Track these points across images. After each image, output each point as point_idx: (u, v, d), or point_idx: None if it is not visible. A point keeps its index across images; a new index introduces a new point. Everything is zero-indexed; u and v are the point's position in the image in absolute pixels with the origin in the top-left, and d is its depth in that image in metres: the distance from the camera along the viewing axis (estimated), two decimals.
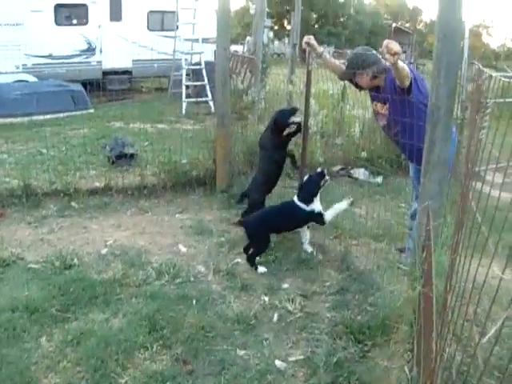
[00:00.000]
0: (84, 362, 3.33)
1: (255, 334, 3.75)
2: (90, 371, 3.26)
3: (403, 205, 6.25)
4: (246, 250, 4.89)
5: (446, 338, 1.99)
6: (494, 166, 1.68)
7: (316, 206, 4.88)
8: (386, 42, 3.76)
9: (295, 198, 4.94)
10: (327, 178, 5.00)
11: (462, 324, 1.80)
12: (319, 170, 5.05)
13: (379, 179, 7.57)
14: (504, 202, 1.62)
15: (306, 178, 5.04)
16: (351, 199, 5.02)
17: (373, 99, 4.77)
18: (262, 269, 4.69)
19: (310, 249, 5.04)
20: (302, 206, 4.86)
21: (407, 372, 3.02)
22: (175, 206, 6.36)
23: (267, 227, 4.87)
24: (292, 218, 4.93)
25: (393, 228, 5.25)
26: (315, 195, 4.90)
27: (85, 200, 6.31)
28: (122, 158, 7.58)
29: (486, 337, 1.46)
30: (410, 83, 4.13)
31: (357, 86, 4.77)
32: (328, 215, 4.89)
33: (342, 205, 4.94)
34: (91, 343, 3.49)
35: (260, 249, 4.82)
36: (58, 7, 15.16)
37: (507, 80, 1.69)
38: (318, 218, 4.89)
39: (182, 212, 6.19)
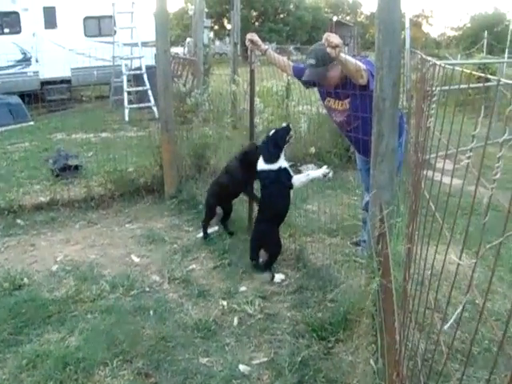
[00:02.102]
0: None
1: (216, 340, 3.73)
2: None
3: (355, 198, 6.33)
4: (253, 258, 4.79)
5: (409, 327, 2.02)
6: (443, 153, 1.71)
7: (282, 162, 4.65)
8: (325, 35, 3.74)
9: (260, 161, 4.69)
10: (292, 133, 4.81)
11: (423, 312, 1.82)
12: (284, 124, 4.84)
13: (330, 174, 7.64)
14: (456, 189, 1.65)
15: (270, 132, 4.77)
16: (329, 170, 4.75)
17: (325, 95, 4.71)
18: (279, 276, 4.62)
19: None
20: (269, 166, 4.65)
21: (373, 364, 3.05)
22: (124, 216, 6.29)
23: (274, 222, 4.76)
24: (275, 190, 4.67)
25: (346, 222, 5.30)
26: (280, 151, 4.65)
27: (31, 216, 6.17)
28: (67, 171, 7.45)
29: (448, 323, 1.49)
30: (368, 79, 4.01)
31: (314, 84, 4.73)
32: (296, 179, 4.64)
33: (317, 172, 4.69)
34: (48, 365, 3.40)
35: (276, 251, 4.74)
36: None
37: (451, 68, 1.72)
38: (286, 175, 4.64)
39: (131, 221, 6.13)
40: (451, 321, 1.44)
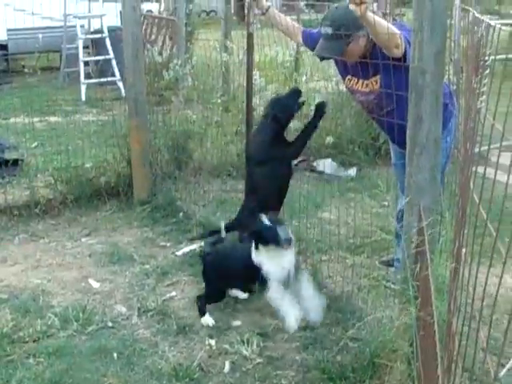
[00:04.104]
0: None
1: None
2: None
3: (386, 204, 6.33)
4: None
5: (455, 374, 2.03)
6: (499, 144, 1.71)
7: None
8: None
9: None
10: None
11: (473, 354, 1.83)
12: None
13: (352, 171, 7.65)
14: None
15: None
16: None
17: (345, 73, 4.73)
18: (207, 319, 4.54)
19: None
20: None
21: None
22: (80, 227, 6.29)
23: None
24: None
25: (374, 236, 5.29)
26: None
27: None
28: (2, 167, 7.43)
29: (505, 368, 1.50)
30: (405, 49, 3.99)
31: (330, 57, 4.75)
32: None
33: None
34: None
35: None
36: None
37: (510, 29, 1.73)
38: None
39: (89, 234, 6.14)
40: (509, 365, 1.45)
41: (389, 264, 5.09)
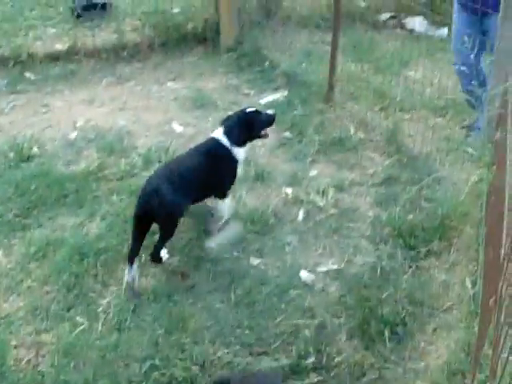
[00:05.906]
0: (53, 280, 3.46)
1: (274, 237, 3.84)
2: (61, 290, 3.40)
3: None
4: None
5: None
6: None
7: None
8: None
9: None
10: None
11: None
12: (270, 111, 4.17)
13: (443, 31, 7.38)
14: None
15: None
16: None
17: None
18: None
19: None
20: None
21: (469, 287, 3.08)
22: (166, 72, 6.31)
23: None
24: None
25: (459, 98, 5.14)
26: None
27: (44, 69, 6.23)
28: (91, 10, 7.37)
29: None
30: None
31: None
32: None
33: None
34: (61, 255, 3.59)
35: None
36: None
37: None
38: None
39: (175, 79, 6.16)
40: None
41: (470, 129, 5.00)
